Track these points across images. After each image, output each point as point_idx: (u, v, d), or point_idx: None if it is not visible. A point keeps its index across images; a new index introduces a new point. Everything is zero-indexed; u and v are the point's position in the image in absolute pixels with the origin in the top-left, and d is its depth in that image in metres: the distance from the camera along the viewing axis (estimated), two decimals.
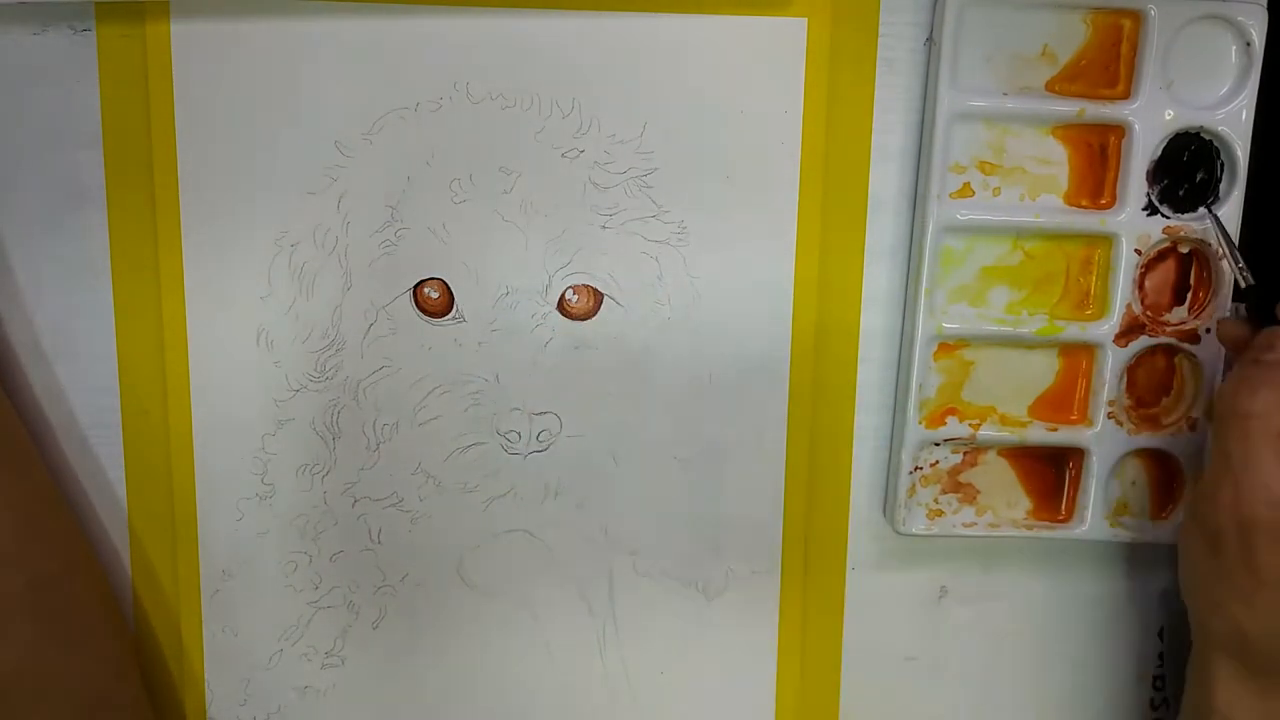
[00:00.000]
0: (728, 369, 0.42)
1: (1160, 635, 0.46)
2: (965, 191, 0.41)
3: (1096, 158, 0.41)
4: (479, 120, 0.40)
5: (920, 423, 0.42)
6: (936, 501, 0.44)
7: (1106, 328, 0.42)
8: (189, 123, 0.40)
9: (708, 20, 0.40)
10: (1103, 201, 0.42)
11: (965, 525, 0.43)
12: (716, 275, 0.42)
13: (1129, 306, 0.42)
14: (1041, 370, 0.43)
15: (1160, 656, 0.46)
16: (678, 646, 0.45)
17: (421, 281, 0.41)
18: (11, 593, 0.37)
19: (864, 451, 0.44)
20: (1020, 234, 0.42)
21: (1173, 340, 0.42)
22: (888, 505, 0.44)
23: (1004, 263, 0.42)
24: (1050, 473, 0.44)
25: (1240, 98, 0.40)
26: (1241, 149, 0.40)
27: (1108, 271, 0.42)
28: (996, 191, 0.41)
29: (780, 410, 0.43)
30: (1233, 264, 0.40)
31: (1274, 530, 0.34)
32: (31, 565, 0.38)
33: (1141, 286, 0.42)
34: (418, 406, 0.42)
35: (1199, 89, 0.41)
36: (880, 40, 0.41)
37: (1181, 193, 0.41)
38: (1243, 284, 0.39)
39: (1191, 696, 0.39)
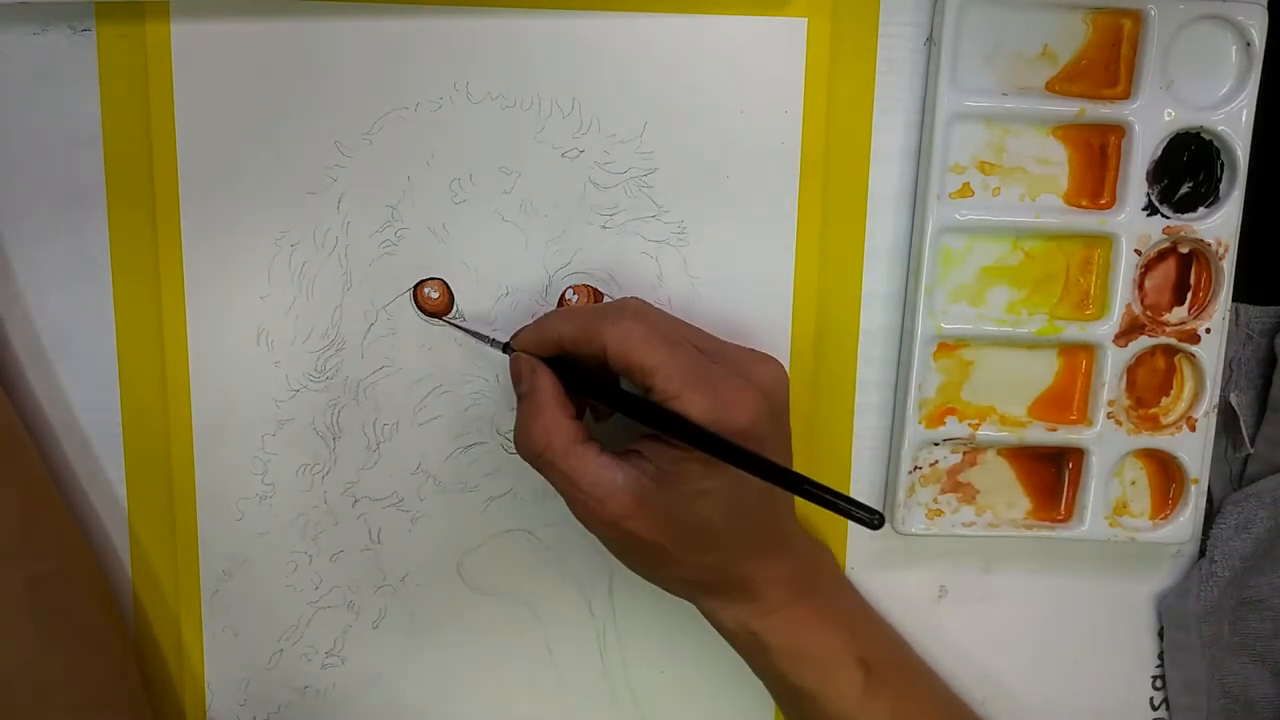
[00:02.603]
0: None
1: (1160, 635, 0.46)
2: (965, 191, 0.41)
3: (1096, 158, 0.41)
4: (479, 120, 0.40)
5: (920, 423, 0.42)
6: (936, 501, 0.44)
7: (1106, 328, 0.42)
8: (189, 123, 0.40)
9: (708, 20, 0.40)
10: (1103, 201, 0.42)
11: (965, 525, 0.43)
12: (716, 275, 0.42)
13: (1129, 306, 0.42)
14: (1041, 370, 0.43)
15: (1160, 656, 0.46)
16: (678, 646, 0.45)
17: (421, 281, 0.41)
18: (10, 592, 0.37)
19: (864, 451, 0.44)
20: (1020, 234, 0.42)
21: (1173, 340, 0.42)
22: (887, 505, 0.44)
23: (1004, 263, 0.42)
24: (1050, 473, 0.44)
25: (1240, 98, 0.40)
26: (1241, 149, 0.40)
27: (1107, 271, 0.42)
28: (996, 191, 0.41)
29: None
30: (480, 339, 0.41)
31: (623, 534, 0.36)
32: (30, 565, 0.38)
33: (1141, 286, 0.42)
34: (418, 406, 0.42)
35: (1199, 89, 0.41)
36: (880, 40, 0.41)
37: (1181, 193, 0.41)
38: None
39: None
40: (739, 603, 0.39)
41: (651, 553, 0.37)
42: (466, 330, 0.41)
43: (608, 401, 0.37)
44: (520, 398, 0.38)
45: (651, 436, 0.36)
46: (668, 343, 0.35)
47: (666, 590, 0.39)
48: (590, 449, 0.36)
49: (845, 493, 0.44)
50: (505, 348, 0.40)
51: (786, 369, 0.38)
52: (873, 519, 0.32)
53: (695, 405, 0.34)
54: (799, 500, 0.43)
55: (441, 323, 0.41)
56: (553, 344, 0.37)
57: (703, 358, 0.36)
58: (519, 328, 0.40)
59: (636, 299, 0.38)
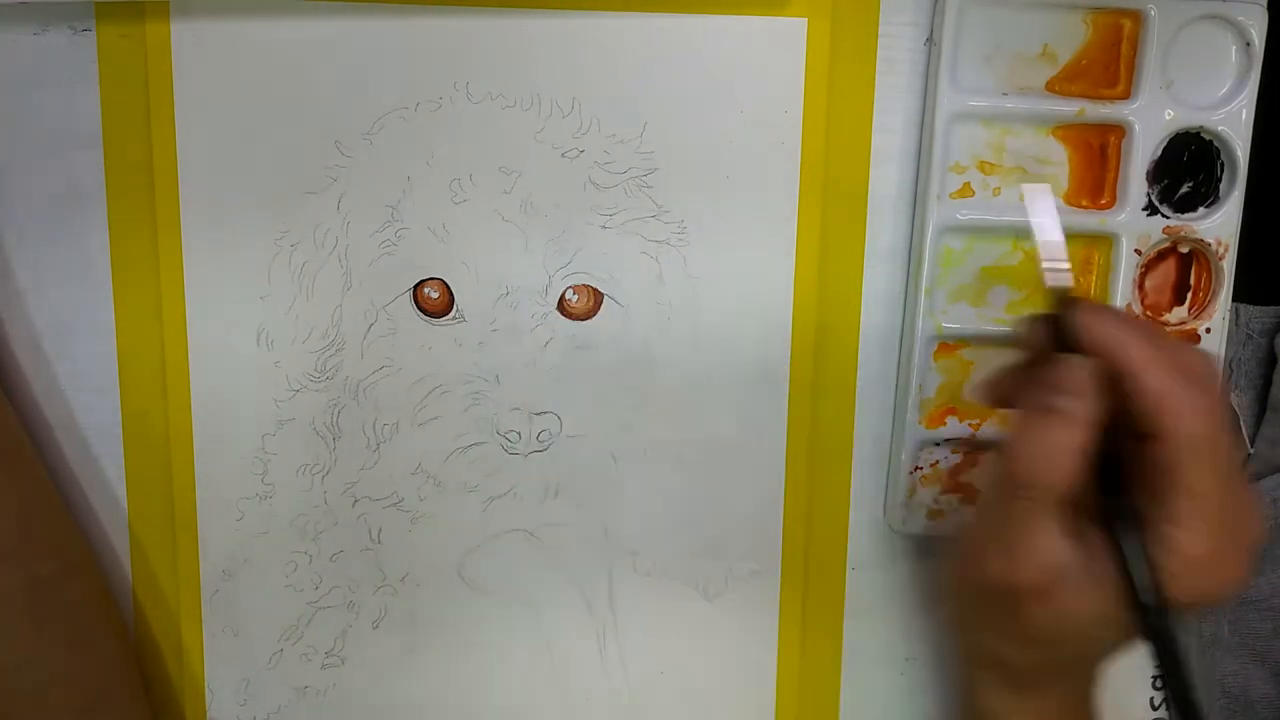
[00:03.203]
0: (728, 369, 0.42)
1: None
2: (965, 191, 0.41)
3: (1096, 158, 0.41)
4: (479, 120, 0.40)
5: (920, 423, 0.42)
6: (936, 502, 0.44)
7: None
8: (189, 123, 0.40)
9: (708, 20, 0.40)
10: (1103, 201, 0.42)
11: None
12: (716, 275, 0.42)
13: (1129, 306, 0.42)
14: None
15: None
16: (678, 646, 0.45)
17: (421, 281, 0.41)
18: (9, 593, 0.37)
19: (864, 451, 0.44)
20: (1020, 234, 0.42)
21: None
22: (888, 505, 0.44)
23: (1004, 263, 0.42)
24: None
25: (1240, 98, 0.40)
26: (1241, 149, 0.40)
27: (1108, 271, 0.42)
28: (996, 191, 0.41)
29: (780, 410, 0.43)
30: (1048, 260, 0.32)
31: (1041, 594, 0.31)
32: (29, 566, 0.38)
33: (1141, 286, 0.42)
34: (418, 406, 0.42)
35: (1199, 89, 0.41)
36: (880, 40, 0.41)
37: (1181, 193, 0.41)
38: (1051, 285, 0.31)
39: (960, 701, 0.37)
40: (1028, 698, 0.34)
41: (1003, 627, 0.32)
42: (1037, 235, 0.31)
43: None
44: (1052, 410, 0.30)
45: (1100, 529, 0.31)
46: (1217, 468, 0.29)
47: (963, 655, 0.35)
48: (1059, 512, 0.31)
49: (846, 495, 0.44)
50: (1067, 320, 0.30)
51: None
52: None
53: (1192, 546, 0.29)
54: (800, 507, 0.43)
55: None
56: (1121, 363, 0.30)
57: (1233, 494, 0.30)
58: (1098, 309, 0.31)
59: (1215, 373, 0.32)
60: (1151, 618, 0.30)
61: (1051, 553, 0.30)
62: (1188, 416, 0.29)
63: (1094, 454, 0.30)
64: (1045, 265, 0.31)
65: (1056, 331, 0.31)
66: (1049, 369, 0.31)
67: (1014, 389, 0.34)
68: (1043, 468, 0.30)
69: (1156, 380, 0.30)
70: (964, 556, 0.32)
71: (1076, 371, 0.30)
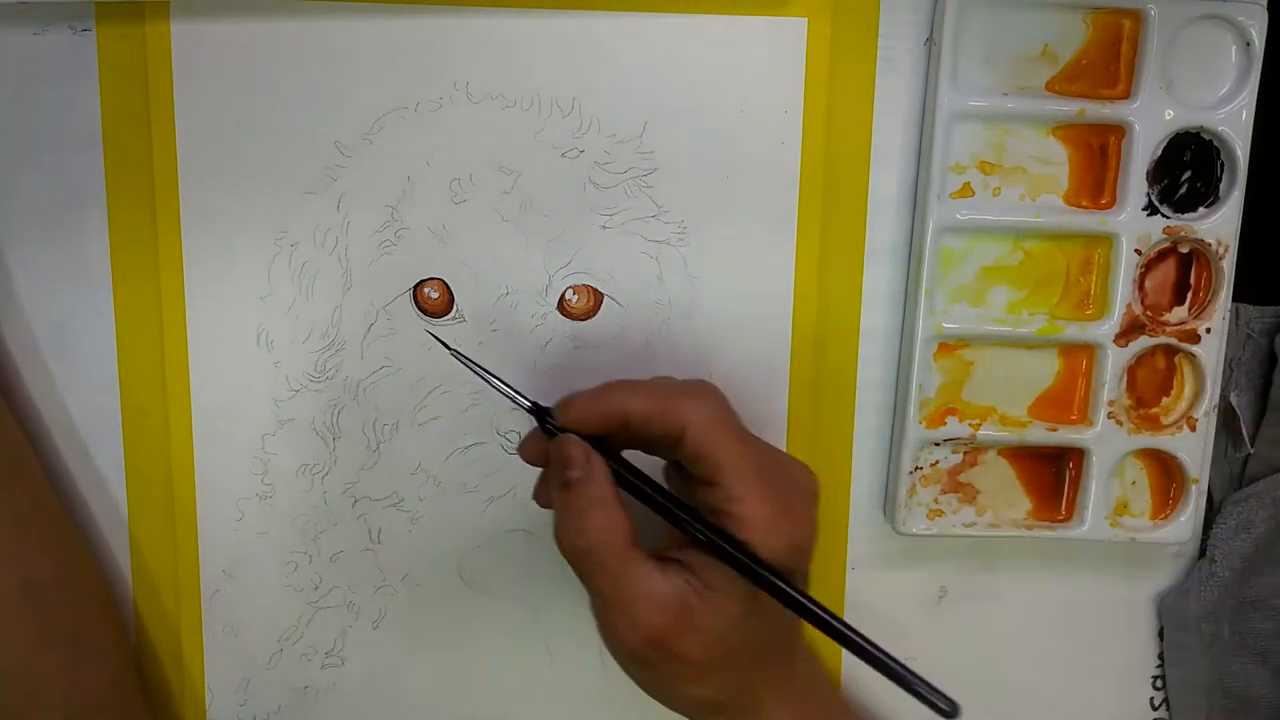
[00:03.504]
0: (728, 369, 0.42)
1: (1160, 635, 0.46)
2: (965, 191, 0.41)
3: (1096, 158, 0.41)
4: (479, 120, 0.40)
5: (920, 423, 0.42)
6: (936, 501, 0.44)
7: (1106, 328, 0.42)
8: (189, 123, 0.40)
9: (708, 20, 0.40)
10: (1103, 201, 0.42)
11: (965, 525, 0.43)
12: (716, 275, 0.42)
13: (1129, 306, 0.42)
14: (1041, 370, 0.43)
15: (1160, 656, 0.46)
16: None
17: (421, 281, 0.41)
18: (6, 594, 0.37)
19: (864, 451, 0.44)
20: (1020, 234, 0.42)
21: (1173, 340, 0.42)
22: (888, 505, 0.44)
23: (1004, 263, 0.42)
24: (1050, 473, 0.44)
25: (1240, 98, 0.40)
26: (1241, 149, 0.40)
27: (1108, 271, 0.42)
28: (996, 191, 0.41)
29: (780, 410, 0.43)
30: (510, 397, 0.36)
31: (663, 651, 0.33)
32: (27, 568, 0.38)
33: (1141, 286, 0.42)
34: (418, 406, 0.42)
35: (1199, 89, 0.41)
36: (880, 40, 0.41)
37: (1181, 193, 0.41)
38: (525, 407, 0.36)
39: None
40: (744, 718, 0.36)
41: (681, 671, 0.33)
42: (491, 382, 0.36)
43: (654, 505, 0.34)
44: (567, 485, 0.33)
45: (698, 547, 0.34)
46: (744, 440, 0.33)
47: (673, 708, 0.36)
48: (640, 554, 0.33)
49: (846, 495, 0.44)
50: (545, 417, 0.35)
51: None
52: (946, 709, 0.31)
53: (758, 511, 0.32)
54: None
55: (463, 360, 0.36)
56: (616, 419, 0.33)
57: (771, 458, 0.34)
58: (564, 397, 0.35)
59: (711, 383, 0.35)
60: (772, 585, 0.32)
61: (660, 596, 0.32)
62: (690, 407, 0.33)
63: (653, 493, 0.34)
64: (516, 406, 0.36)
65: (546, 432, 0.35)
66: (553, 456, 0.34)
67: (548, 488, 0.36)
68: (591, 529, 0.33)
69: (647, 400, 0.33)
70: (605, 634, 0.34)
71: (569, 446, 0.34)
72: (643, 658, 0.33)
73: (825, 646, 0.45)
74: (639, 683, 0.35)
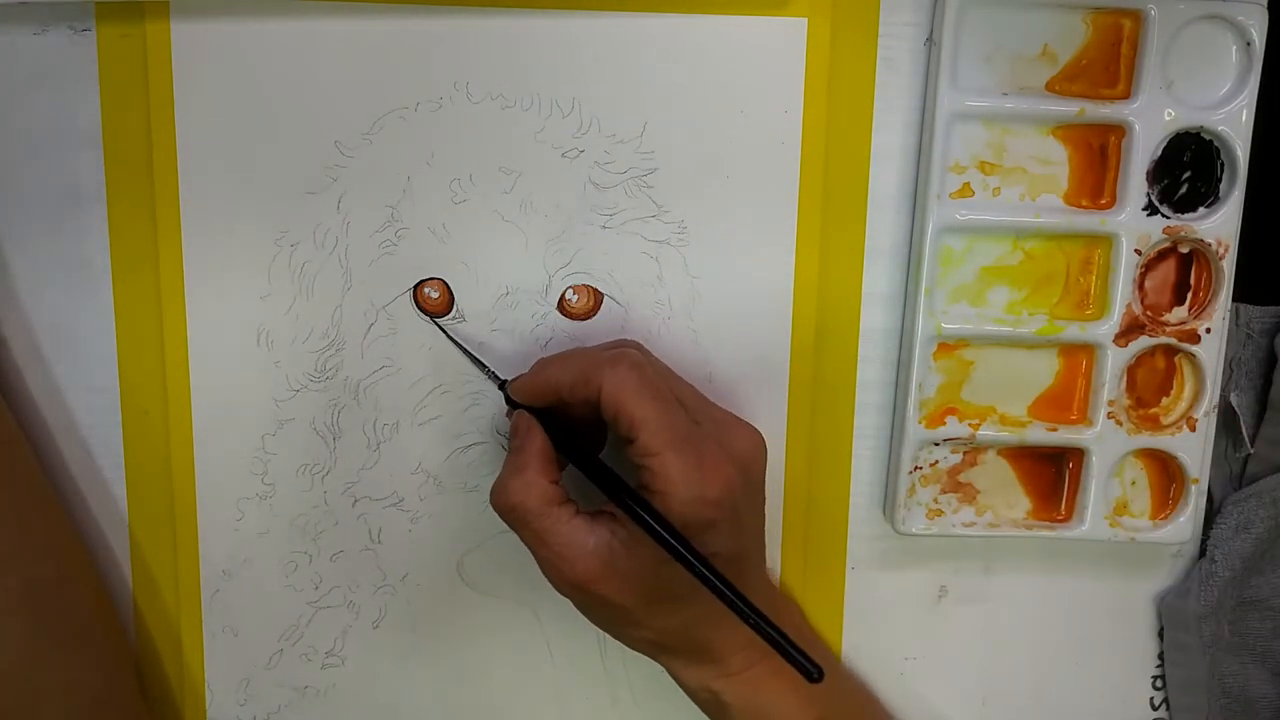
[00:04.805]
0: (728, 369, 0.42)
1: (1160, 635, 0.46)
2: (965, 191, 0.41)
3: (1096, 158, 0.41)
4: (479, 120, 0.40)
5: (920, 422, 0.42)
6: (936, 501, 0.44)
7: (1106, 328, 0.42)
8: (189, 123, 0.40)
9: (708, 20, 0.40)
10: (1103, 201, 0.42)
11: (965, 525, 0.43)
12: (716, 275, 0.42)
13: (1129, 306, 0.42)
14: (1041, 370, 0.43)
15: (1160, 656, 0.46)
16: None
17: (421, 281, 0.41)
18: (6, 596, 0.37)
19: (864, 451, 0.44)
20: (1020, 234, 0.42)
21: (1173, 340, 0.42)
22: (888, 505, 0.44)
23: (1004, 263, 0.42)
24: (1050, 472, 0.44)
25: (1240, 98, 0.40)
26: (1241, 149, 0.40)
27: (1108, 271, 0.42)
28: (996, 191, 0.41)
29: (780, 410, 0.43)
30: (480, 366, 0.41)
31: (590, 596, 0.36)
32: (26, 569, 0.38)
33: (1141, 286, 0.42)
34: (418, 406, 0.42)
35: (1199, 89, 0.41)
36: (880, 40, 0.41)
37: (1181, 193, 0.41)
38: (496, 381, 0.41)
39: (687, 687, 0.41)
40: (700, 664, 0.39)
41: (616, 615, 0.37)
42: (465, 351, 0.41)
43: (584, 468, 0.37)
44: (510, 451, 0.38)
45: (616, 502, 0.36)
46: (660, 398, 0.36)
47: (630, 648, 0.39)
48: (565, 511, 0.36)
49: (846, 495, 0.44)
50: (503, 387, 0.40)
51: (765, 438, 0.39)
52: (812, 672, 0.33)
53: (674, 466, 0.34)
54: (800, 507, 0.44)
55: (439, 325, 0.41)
56: (551, 392, 0.37)
57: (690, 420, 0.36)
58: (517, 374, 0.39)
59: (636, 348, 0.38)
60: (656, 531, 0.35)
61: (582, 545, 0.36)
62: (604, 373, 0.35)
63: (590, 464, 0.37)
64: (494, 380, 0.41)
65: (509, 405, 0.40)
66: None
67: None
68: (511, 489, 0.36)
69: (568, 371, 0.37)
70: (552, 575, 0.37)
71: (515, 419, 0.38)
72: (577, 601, 0.38)
73: (826, 623, 0.45)
74: (596, 624, 0.39)
